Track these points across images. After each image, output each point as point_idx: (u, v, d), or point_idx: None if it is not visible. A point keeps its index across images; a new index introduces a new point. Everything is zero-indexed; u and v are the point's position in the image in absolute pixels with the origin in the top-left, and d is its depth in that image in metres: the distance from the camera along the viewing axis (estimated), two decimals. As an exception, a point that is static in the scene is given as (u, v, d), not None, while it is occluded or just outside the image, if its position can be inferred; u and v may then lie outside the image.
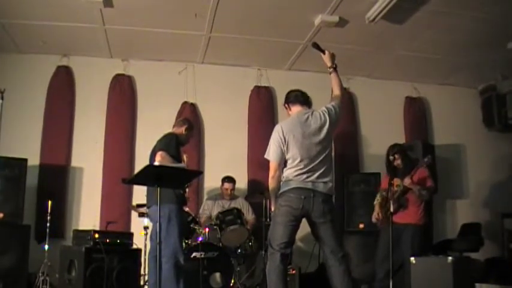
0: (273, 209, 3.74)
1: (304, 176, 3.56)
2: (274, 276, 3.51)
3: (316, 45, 3.96)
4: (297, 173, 3.58)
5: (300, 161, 3.58)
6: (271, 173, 3.66)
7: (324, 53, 3.91)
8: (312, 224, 3.63)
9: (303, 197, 3.52)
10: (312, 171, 3.58)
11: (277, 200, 3.65)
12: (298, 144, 3.60)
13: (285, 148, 3.63)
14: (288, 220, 3.55)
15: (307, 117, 3.70)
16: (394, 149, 4.94)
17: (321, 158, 3.62)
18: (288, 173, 3.63)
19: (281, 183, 3.67)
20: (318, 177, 3.57)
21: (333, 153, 6.46)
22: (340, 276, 3.54)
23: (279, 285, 3.48)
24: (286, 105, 3.93)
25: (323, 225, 3.58)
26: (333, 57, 3.90)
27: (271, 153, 3.68)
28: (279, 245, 3.54)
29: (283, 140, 3.63)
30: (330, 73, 3.88)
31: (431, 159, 4.90)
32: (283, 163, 3.65)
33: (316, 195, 3.54)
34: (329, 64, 3.88)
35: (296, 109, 3.84)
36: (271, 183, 3.66)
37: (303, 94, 3.89)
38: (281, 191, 3.63)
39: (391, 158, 4.88)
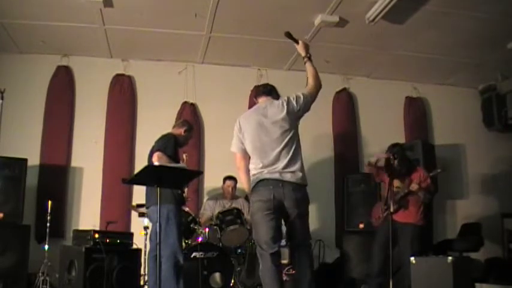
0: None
1: (269, 168, 3.50)
2: (268, 278, 3.45)
3: (288, 34, 3.86)
4: (260, 165, 3.54)
5: (259, 151, 3.56)
6: (236, 164, 3.73)
7: (298, 43, 3.85)
8: (285, 215, 3.55)
9: (271, 187, 3.47)
10: (275, 161, 3.52)
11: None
12: (253, 134, 3.60)
13: (243, 139, 3.66)
14: (264, 215, 3.48)
15: (265, 107, 3.69)
16: (392, 149, 4.94)
17: (282, 146, 3.54)
18: (252, 167, 3.61)
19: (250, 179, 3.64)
20: (284, 168, 3.50)
21: (332, 153, 6.60)
22: (303, 268, 3.55)
23: (274, 287, 3.42)
24: (254, 99, 3.95)
25: (294, 218, 3.51)
26: (306, 47, 3.84)
27: (232, 145, 3.75)
28: (265, 242, 3.46)
29: (240, 132, 3.69)
30: (305, 63, 3.83)
31: (439, 173, 5.02)
32: (246, 153, 3.68)
33: (285, 185, 3.47)
34: (303, 54, 3.83)
35: (261, 101, 3.83)
36: (240, 175, 3.74)
37: (267, 86, 3.91)
38: (251, 187, 3.60)
39: (390, 157, 4.88)
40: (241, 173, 3.71)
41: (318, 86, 3.78)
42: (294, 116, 3.66)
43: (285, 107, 3.63)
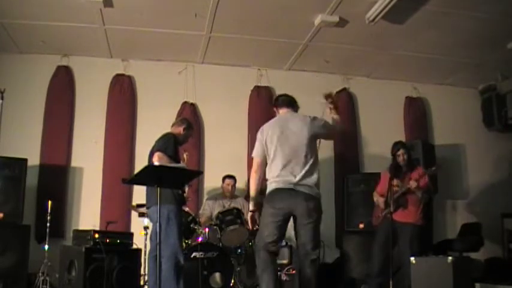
0: (251, 207, 3.84)
1: (285, 178, 3.66)
2: (266, 275, 3.61)
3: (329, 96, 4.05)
4: (276, 173, 3.70)
5: (278, 160, 3.71)
6: (254, 167, 3.83)
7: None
8: (295, 222, 3.73)
9: (284, 196, 3.65)
10: (291, 172, 3.67)
11: (263, 200, 3.77)
12: (274, 143, 3.75)
13: (265, 147, 3.80)
14: (272, 220, 3.67)
15: (286, 119, 3.86)
16: (398, 145, 5.02)
17: (299, 159, 3.70)
18: (270, 175, 3.76)
19: (267, 184, 3.81)
20: (299, 180, 3.65)
21: (332, 153, 6.59)
22: (306, 278, 3.68)
23: (269, 285, 3.57)
24: (275, 109, 4.10)
25: (305, 226, 3.66)
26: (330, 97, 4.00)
27: (254, 151, 3.89)
28: (265, 243, 3.65)
29: (263, 140, 3.81)
30: (334, 114, 3.99)
31: (436, 171, 5.01)
32: (265, 160, 3.81)
33: (299, 195, 3.63)
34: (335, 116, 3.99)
35: (282, 112, 3.99)
36: (252, 178, 3.81)
37: (288, 97, 4.03)
38: (267, 192, 3.77)
39: (397, 153, 4.93)
40: (256, 176, 3.81)
41: (344, 130, 4.04)
42: (314, 136, 3.80)
43: (308, 125, 3.77)
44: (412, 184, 4.76)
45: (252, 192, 3.81)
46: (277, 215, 3.66)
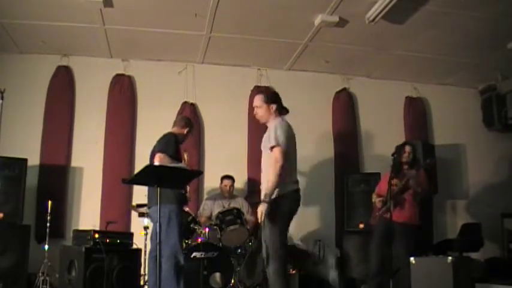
0: (268, 198, 3.58)
1: (295, 179, 3.84)
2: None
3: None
4: (294, 175, 3.84)
5: (293, 161, 3.84)
6: (281, 161, 3.60)
7: None
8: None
9: (297, 197, 3.81)
10: (296, 175, 3.89)
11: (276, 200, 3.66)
12: (292, 146, 3.84)
13: (289, 144, 3.77)
14: (287, 222, 3.79)
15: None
16: (407, 143, 5.16)
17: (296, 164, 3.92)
18: (289, 176, 3.76)
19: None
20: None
21: (332, 153, 6.60)
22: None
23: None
24: (272, 107, 3.86)
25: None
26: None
27: (281, 140, 3.66)
28: (284, 243, 3.78)
29: (289, 136, 3.79)
30: None
31: (433, 162, 4.97)
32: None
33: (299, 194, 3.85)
34: None
35: (280, 117, 3.90)
36: (280, 168, 3.59)
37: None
38: (282, 193, 3.66)
39: (404, 149, 4.96)
40: (283, 168, 3.60)
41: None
42: None
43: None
44: (411, 172, 4.81)
45: (276, 183, 3.59)
46: (291, 216, 3.78)
